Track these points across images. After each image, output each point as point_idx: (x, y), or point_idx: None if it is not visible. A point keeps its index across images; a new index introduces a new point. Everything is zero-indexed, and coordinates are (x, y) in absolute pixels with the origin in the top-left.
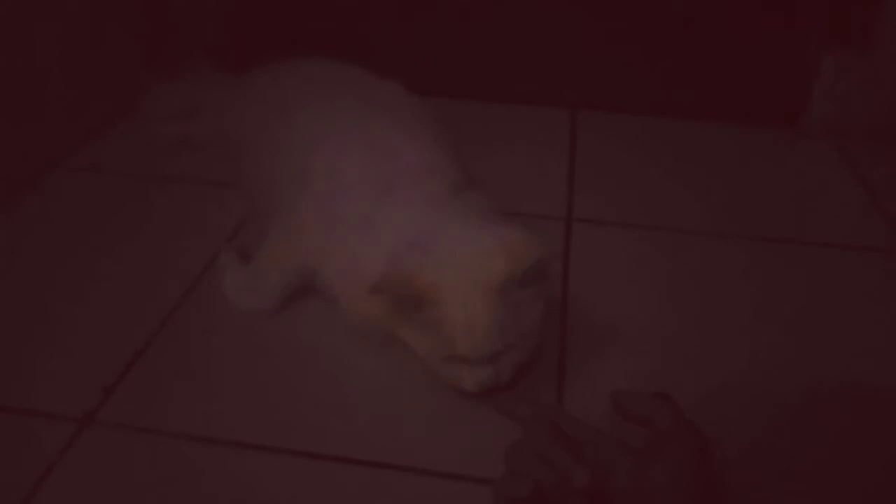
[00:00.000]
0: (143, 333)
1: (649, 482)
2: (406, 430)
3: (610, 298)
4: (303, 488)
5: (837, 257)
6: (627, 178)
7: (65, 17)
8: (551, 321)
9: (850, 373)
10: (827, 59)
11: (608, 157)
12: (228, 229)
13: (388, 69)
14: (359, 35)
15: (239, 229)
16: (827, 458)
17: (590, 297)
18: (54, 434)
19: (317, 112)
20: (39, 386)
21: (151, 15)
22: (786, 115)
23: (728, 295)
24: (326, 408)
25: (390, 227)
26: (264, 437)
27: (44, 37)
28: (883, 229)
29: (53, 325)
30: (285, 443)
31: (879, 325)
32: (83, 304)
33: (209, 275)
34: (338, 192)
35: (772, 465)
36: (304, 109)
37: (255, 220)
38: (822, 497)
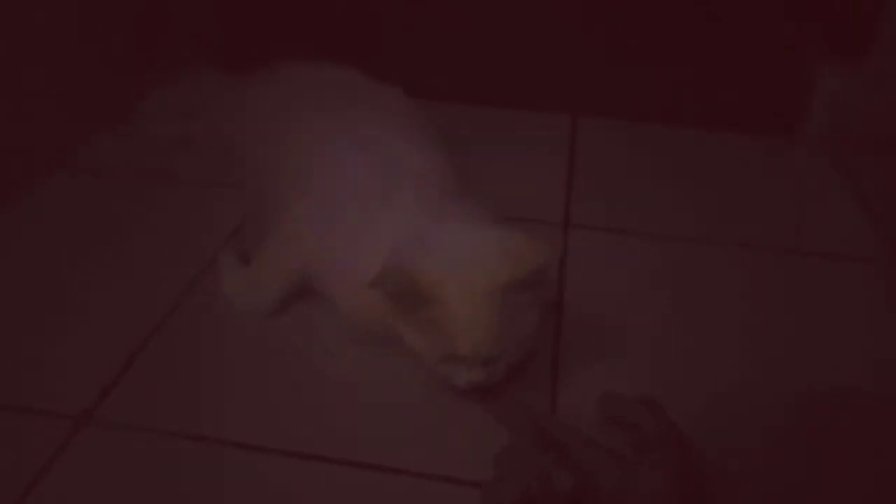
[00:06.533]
0: (142, 333)
1: (634, 489)
2: (398, 432)
3: (605, 304)
4: (297, 488)
5: (832, 267)
6: (626, 184)
7: (63, 17)
8: (546, 325)
9: (844, 382)
10: (825, 69)
11: (607, 163)
12: (227, 230)
13: (387, 73)
14: (359, 38)
15: (238, 230)
16: (822, 466)
17: (585, 302)
18: (52, 432)
19: (316, 116)
20: (37, 384)
21: (150, 15)
22: (784, 124)
23: (723, 303)
24: (322, 408)
25: (389, 230)
26: (261, 437)
27: (42, 37)
28: (878, 239)
29: (51, 323)
30: (282, 443)
31: (873, 335)
32: (81, 303)
33: (208, 275)
34: (337, 196)
35: (765, 474)
36: (304, 113)
37: (254, 222)
38: None
